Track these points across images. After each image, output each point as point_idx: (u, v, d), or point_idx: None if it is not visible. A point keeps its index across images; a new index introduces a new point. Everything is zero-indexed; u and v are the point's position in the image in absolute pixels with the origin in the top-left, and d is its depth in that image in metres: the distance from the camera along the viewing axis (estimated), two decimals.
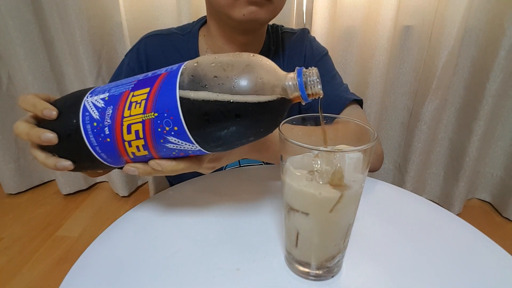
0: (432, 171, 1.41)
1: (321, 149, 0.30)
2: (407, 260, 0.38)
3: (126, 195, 1.48)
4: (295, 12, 1.18)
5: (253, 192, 0.51)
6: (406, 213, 0.47)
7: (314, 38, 0.68)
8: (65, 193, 1.48)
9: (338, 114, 0.56)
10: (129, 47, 0.63)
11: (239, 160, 0.64)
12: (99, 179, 1.59)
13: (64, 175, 1.43)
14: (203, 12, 0.64)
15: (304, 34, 0.66)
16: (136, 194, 1.53)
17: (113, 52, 1.30)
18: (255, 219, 0.44)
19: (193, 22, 0.65)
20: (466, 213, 1.39)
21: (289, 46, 0.65)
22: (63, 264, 1.11)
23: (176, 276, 0.35)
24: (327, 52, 0.66)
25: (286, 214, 0.34)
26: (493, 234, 0.41)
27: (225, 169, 0.65)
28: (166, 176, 0.76)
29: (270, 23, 0.63)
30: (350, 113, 0.57)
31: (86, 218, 1.35)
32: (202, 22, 0.64)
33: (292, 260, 0.36)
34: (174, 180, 0.71)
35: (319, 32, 1.16)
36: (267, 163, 0.65)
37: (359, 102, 0.60)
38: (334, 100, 0.57)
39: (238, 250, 0.39)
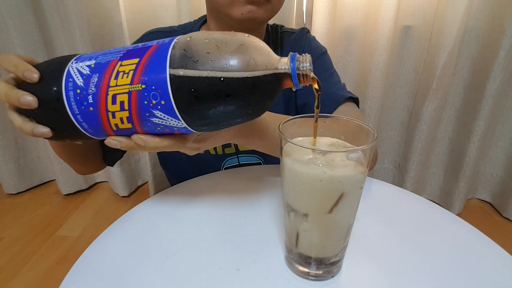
0: (432, 171, 1.41)
1: (322, 149, 0.30)
2: (407, 260, 0.38)
3: (126, 195, 1.48)
4: (295, 12, 1.18)
5: (253, 192, 0.51)
6: (406, 213, 0.47)
7: (313, 37, 0.68)
8: (65, 193, 1.48)
9: (333, 111, 0.56)
10: None
11: (238, 159, 0.65)
12: (99, 179, 1.59)
13: (64, 175, 1.43)
14: (203, 12, 0.64)
15: (303, 33, 0.66)
16: (136, 194, 1.53)
17: None
18: (255, 219, 0.44)
19: (194, 20, 0.66)
20: (466, 213, 1.39)
21: (288, 45, 0.65)
22: (63, 264, 1.12)
23: (176, 276, 0.35)
24: (326, 51, 0.66)
25: (286, 214, 0.34)
26: (493, 234, 0.41)
27: (223, 169, 0.65)
28: (166, 176, 0.77)
29: (270, 22, 0.64)
30: (345, 111, 0.57)
31: (86, 218, 1.35)
32: (203, 21, 0.64)
33: (292, 260, 0.36)
34: (174, 180, 0.71)
35: (319, 32, 1.16)
36: (266, 163, 0.65)
37: (355, 101, 0.60)
38: (330, 97, 0.57)
39: (238, 250, 0.39)
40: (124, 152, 0.59)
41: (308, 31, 0.68)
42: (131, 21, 1.16)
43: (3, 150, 1.41)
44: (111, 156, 0.58)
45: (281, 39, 0.65)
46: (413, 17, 1.19)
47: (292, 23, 1.20)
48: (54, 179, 1.53)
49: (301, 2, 1.18)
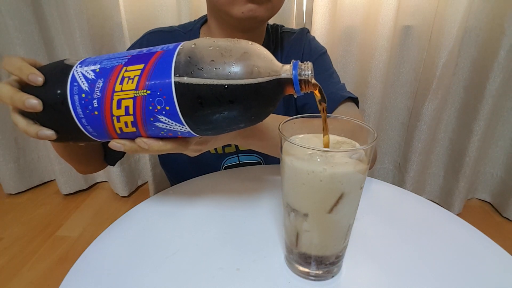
0: (432, 171, 1.41)
1: (322, 149, 0.30)
2: (407, 260, 0.38)
3: (126, 195, 1.48)
4: (295, 12, 1.18)
5: (253, 192, 0.51)
6: (406, 213, 0.47)
7: (313, 37, 0.68)
8: (65, 193, 1.48)
9: (333, 111, 0.56)
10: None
11: (238, 158, 0.65)
12: (99, 179, 1.59)
13: (64, 175, 1.43)
14: (203, 12, 0.64)
15: (303, 33, 0.66)
16: (136, 194, 1.53)
17: (113, 52, 1.30)
18: (255, 219, 0.44)
19: (195, 20, 0.66)
20: (466, 213, 1.39)
21: (288, 45, 0.65)
22: (63, 264, 1.12)
23: (176, 276, 0.35)
24: (326, 51, 0.66)
25: (286, 214, 0.34)
26: (493, 234, 0.41)
27: (224, 168, 0.65)
28: (166, 176, 0.77)
29: (270, 22, 0.64)
30: (345, 111, 0.57)
31: (86, 218, 1.35)
32: (203, 20, 0.64)
33: (292, 260, 0.36)
34: (174, 180, 0.71)
35: (319, 32, 1.16)
36: (266, 162, 0.65)
37: (355, 101, 0.60)
38: (329, 97, 0.57)
39: (238, 250, 0.39)
40: (125, 152, 0.60)
41: (308, 31, 0.68)
42: (131, 21, 1.16)
43: (3, 150, 1.41)
44: (112, 156, 0.58)
45: (281, 39, 0.65)
46: (413, 17, 1.19)
47: (292, 23, 1.20)
48: (54, 179, 1.53)
49: (301, 2, 1.18)
